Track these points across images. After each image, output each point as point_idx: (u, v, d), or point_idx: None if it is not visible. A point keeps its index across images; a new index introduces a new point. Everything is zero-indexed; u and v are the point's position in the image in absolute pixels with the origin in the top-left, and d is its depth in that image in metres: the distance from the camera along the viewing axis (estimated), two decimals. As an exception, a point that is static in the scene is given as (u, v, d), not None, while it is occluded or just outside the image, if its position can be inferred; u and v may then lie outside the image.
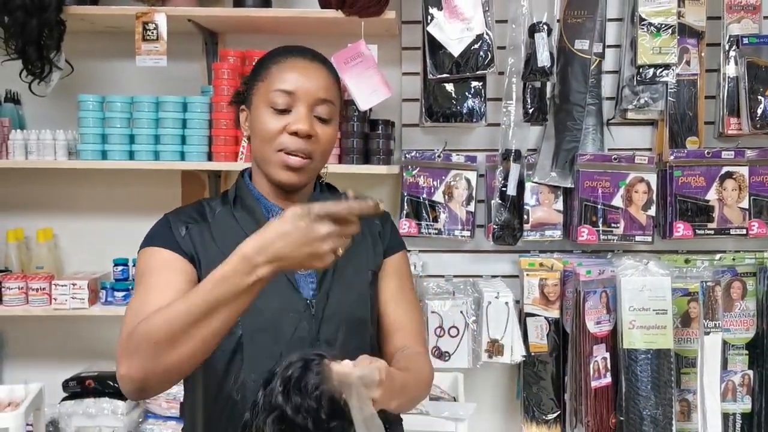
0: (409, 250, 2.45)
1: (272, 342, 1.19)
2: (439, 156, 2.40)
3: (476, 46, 2.18)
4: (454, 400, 2.02)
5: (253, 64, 2.17)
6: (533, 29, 2.20)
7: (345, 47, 2.15)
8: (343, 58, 2.12)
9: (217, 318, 1.01)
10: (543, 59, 2.18)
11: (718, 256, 2.38)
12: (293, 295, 1.23)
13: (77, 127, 2.23)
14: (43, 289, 2.25)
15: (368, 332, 1.30)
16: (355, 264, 1.29)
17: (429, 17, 2.20)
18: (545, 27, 2.19)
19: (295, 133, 1.21)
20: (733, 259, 2.38)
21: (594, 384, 2.18)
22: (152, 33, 2.15)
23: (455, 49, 2.17)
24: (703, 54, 2.35)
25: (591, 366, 2.17)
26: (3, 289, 2.25)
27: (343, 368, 0.98)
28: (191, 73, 2.44)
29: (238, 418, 1.07)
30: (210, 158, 2.24)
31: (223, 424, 1.20)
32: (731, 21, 2.31)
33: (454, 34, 2.17)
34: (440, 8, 2.17)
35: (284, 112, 1.22)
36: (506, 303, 2.18)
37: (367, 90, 2.13)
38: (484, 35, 2.17)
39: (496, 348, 2.19)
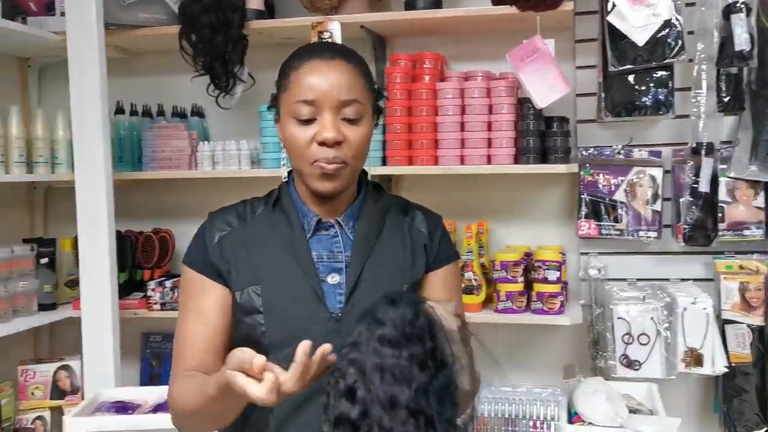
0: (586, 253, 2.36)
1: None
2: (619, 152, 2.26)
3: (663, 33, 2.02)
4: (651, 413, 1.88)
5: (424, 66, 2.23)
6: (729, 10, 2.01)
7: (519, 44, 2.08)
8: (518, 56, 2.05)
9: (226, 404, 1.08)
10: (741, 42, 1.99)
11: None
12: (318, 306, 1.20)
13: (259, 137, 2.32)
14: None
15: None
16: (389, 276, 1.24)
17: (609, 6, 2.07)
18: (743, 6, 2.00)
19: (323, 143, 1.16)
20: None
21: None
22: (328, 40, 2.18)
23: (640, 37, 2.03)
24: None
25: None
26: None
27: (446, 312, 0.93)
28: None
29: (260, 428, 1.19)
30: (384, 162, 2.25)
31: None
32: None
33: (638, 21, 2.03)
34: (622, -5, 2.04)
35: (309, 121, 1.17)
36: (704, 309, 2.01)
37: (545, 86, 2.04)
38: (673, 20, 2.01)
39: (694, 357, 2.02)
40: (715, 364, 2.02)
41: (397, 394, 0.87)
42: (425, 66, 2.23)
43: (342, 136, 1.17)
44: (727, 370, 2.04)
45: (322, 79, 1.18)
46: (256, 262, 1.22)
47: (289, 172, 1.31)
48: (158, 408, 2.02)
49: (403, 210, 1.33)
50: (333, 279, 1.22)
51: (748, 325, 2.11)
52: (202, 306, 1.24)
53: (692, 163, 2.16)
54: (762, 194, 2.17)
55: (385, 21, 2.23)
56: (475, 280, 2.20)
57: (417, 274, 1.28)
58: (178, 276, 2.51)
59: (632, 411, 1.81)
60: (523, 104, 2.17)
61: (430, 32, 2.37)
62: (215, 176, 2.39)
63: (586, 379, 1.95)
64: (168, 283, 2.41)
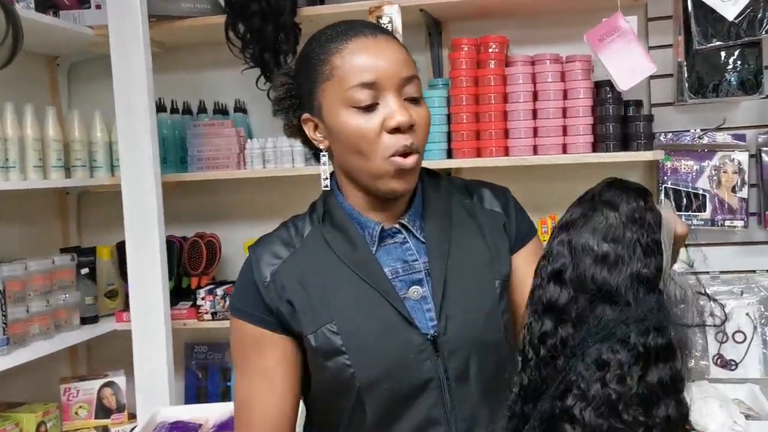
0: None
1: (397, 390, 1.02)
2: (700, 137, 2.11)
3: (756, 5, 1.87)
4: (761, 418, 1.73)
5: (489, 50, 2.07)
6: (827, -22, 1.86)
7: (595, 24, 1.92)
8: (597, 35, 1.89)
9: None
10: (842, 13, 1.84)
11: None
12: (410, 332, 1.02)
13: (311, 133, 2.17)
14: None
15: (503, 354, 1.06)
16: (476, 274, 1.07)
17: (693, -21, 1.92)
18: (844, -26, 1.85)
19: (396, 129, 0.99)
20: None
21: None
22: (387, 27, 2.03)
23: (730, 12, 1.88)
24: None
25: None
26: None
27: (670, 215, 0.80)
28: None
29: None
30: (450, 155, 2.10)
31: None
32: None
33: (728, -6, 1.88)
34: (710, -34, 1.89)
35: (371, 107, 1.00)
36: (807, 304, 1.87)
37: (627, 68, 1.89)
38: (767, -8, 1.86)
39: (798, 355, 1.87)
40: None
41: (609, 281, 0.75)
42: (490, 50, 2.07)
43: (414, 120, 1.01)
44: (834, 367, 1.90)
45: (378, 57, 1.01)
46: (322, 294, 1.04)
47: (330, 176, 1.13)
48: (221, 428, 1.87)
49: (466, 191, 1.16)
50: (416, 293, 1.05)
51: None
52: (264, 365, 1.07)
53: (782, 145, 2.01)
54: None
55: (445, 3, 2.07)
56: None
57: (505, 262, 1.11)
58: (228, 282, 2.37)
59: (747, 416, 1.66)
60: (600, 88, 2.02)
61: (489, 15, 2.21)
62: (267, 175, 2.24)
63: (692, 382, 1.80)
64: (219, 291, 2.26)
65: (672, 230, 0.79)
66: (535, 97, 2.03)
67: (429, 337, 1.02)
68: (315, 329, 1.03)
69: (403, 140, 1.00)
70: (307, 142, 1.13)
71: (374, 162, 1.01)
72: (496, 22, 2.24)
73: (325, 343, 1.02)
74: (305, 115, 1.08)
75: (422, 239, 1.08)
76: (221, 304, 2.25)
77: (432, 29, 2.27)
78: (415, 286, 1.06)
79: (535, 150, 2.03)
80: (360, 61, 1.01)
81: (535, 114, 2.03)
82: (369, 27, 1.06)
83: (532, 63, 2.06)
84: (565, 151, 2.02)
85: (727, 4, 1.88)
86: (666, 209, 0.79)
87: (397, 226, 1.08)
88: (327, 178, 1.11)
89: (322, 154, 1.10)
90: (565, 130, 2.02)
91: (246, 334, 1.08)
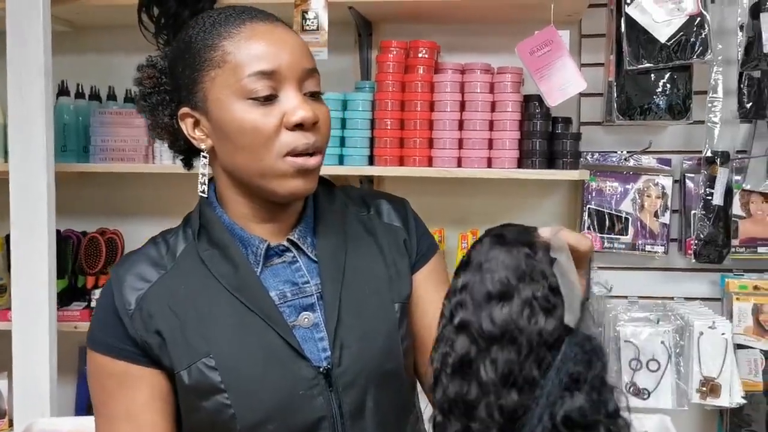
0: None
1: (284, 431, 0.90)
2: (626, 159, 2.07)
3: (688, 29, 1.84)
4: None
5: (419, 55, 1.98)
6: (758, 8, 1.85)
7: (528, 36, 1.86)
8: (529, 47, 1.83)
9: None
10: (770, 43, 1.83)
11: None
12: (300, 365, 0.89)
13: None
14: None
15: (403, 384, 0.98)
16: (376, 301, 0.96)
17: (628, -3, 1.88)
18: (774, 5, 1.84)
19: (299, 126, 0.88)
20: None
21: None
22: (312, 22, 1.92)
23: (662, 33, 1.84)
24: None
25: None
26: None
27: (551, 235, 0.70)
28: (342, 67, 2.20)
29: None
30: (372, 162, 2.00)
31: None
32: None
33: (661, 15, 1.84)
34: (644, -14, 1.85)
35: (269, 100, 0.88)
36: (723, 335, 1.84)
37: (557, 83, 1.83)
38: (699, 16, 1.83)
39: (710, 388, 1.84)
40: (732, 395, 1.85)
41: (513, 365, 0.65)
42: (420, 55, 1.98)
43: (317, 116, 0.90)
44: (744, 401, 1.88)
45: (278, 45, 0.89)
46: (198, 323, 0.90)
47: (208, 185, 0.98)
48: (104, 442, 1.72)
49: (363, 203, 1.05)
50: (306, 320, 0.93)
51: (762, 351, 1.96)
52: (129, 407, 0.90)
53: (705, 173, 1.99)
54: (778, 209, 2.02)
55: (375, 2, 1.97)
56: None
57: (405, 282, 1.00)
58: (128, 283, 2.20)
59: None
60: (529, 102, 1.95)
61: (421, 19, 2.12)
62: (176, 171, 2.08)
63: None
64: (116, 292, 2.10)
65: (568, 256, 0.69)
66: (462, 107, 1.95)
67: (321, 369, 0.91)
68: (189, 364, 0.89)
69: (305, 138, 0.89)
70: (176, 143, 1.00)
71: (270, 161, 0.89)
72: (427, 27, 2.15)
73: (201, 381, 0.89)
74: (183, 110, 0.94)
75: (314, 258, 0.96)
76: (119, 307, 2.09)
77: (362, 29, 2.16)
78: (305, 312, 0.93)
79: (460, 162, 1.95)
80: (258, 48, 0.89)
81: (461, 125, 1.95)
82: (263, 13, 0.93)
83: (462, 71, 1.98)
84: (490, 165, 1.94)
85: (660, 25, 1.84)
86: (556, 237, 0.70)
87: (285, 243, 0.96)
88: (204, 183, 0.96)
89: (202, 155, 0.95)
90: (491, 144, 1.94)
91: (107, 371, 0.92)
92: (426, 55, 1.98)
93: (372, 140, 1.99)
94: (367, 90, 2.03)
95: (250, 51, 0.88)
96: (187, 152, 1.02)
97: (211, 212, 0.96)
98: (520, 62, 1.91)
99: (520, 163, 1.94)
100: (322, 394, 0.90)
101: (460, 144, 1.95)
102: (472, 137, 1.93)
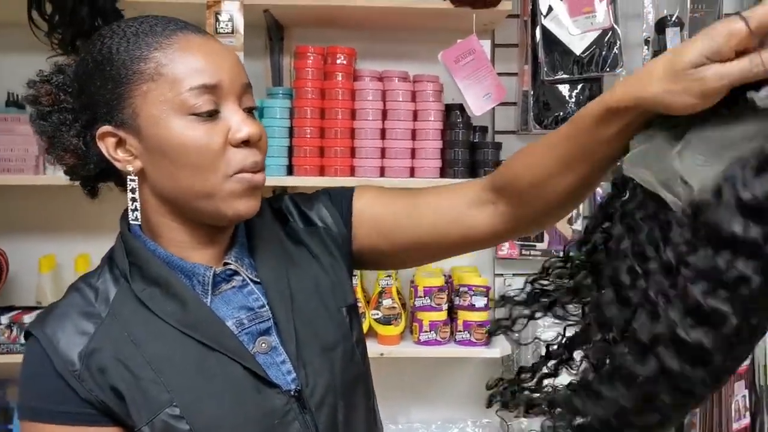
0: (501, 274, 2.19)
1: None
2: (540, 167, 2.11)
3: (601, 43, 1.90)
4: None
5: (337, 62, 1.91)
6: (663, 23, 1.94)
7: (445, 44, 1.85)
8: (453, 56, 1.82)
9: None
10: (675, 58, 1.92)
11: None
12: (271, 394, 0.84)
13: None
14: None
15: (366, 390, 0.96)
16: (325, 311, 0.93)
17: (545, 9, 1.91)
18: (677, 21, 1.93)
19: (245, 143, 0.84)
20: None
21: (735, 426, 1.92)
22: (226, 25, 1.81)
23: (577, 46, 1.89)
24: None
25: (732, 406, 1.91)
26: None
27: None
28: (251, 72, 2.09)
29: None
30: (291, 172, 1.92)
31: None
32: None
33: (576, 28, 1.89)
34: (560, -1, 1.89)
35: (211, 116, 0.82)
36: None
37: (481, 93, 1.83)
38: (612, 30, 1.89)
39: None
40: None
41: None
42: (338, 62, 1.92)
43: (261, 132, 0.86)
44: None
45: (216, 58, 0.83)
46: (152, 372, 0.81)
47: (123, 222, 0.89)
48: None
49: (285, 212, 0.99)
50: (264, 345, 0.87)
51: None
52: None
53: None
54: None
55: (293, 5, 1.89)
56: (395, 308, 1.94)
57: (346, 284, 0.96)
58: (15, 308, 1.98)
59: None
60: (450, 111, 1.94)
61: (336, 24, 2.06)
62: (70, 184, 1.90)
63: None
64: (3, 319, 1.88)
65: None
66: (384, 116, 1.91)
67: (293, 393, 0.85)
68: (150, 418, 0.80)
69: (251, 155, 0.84)
70: (84, 167, 0.88)
71: (216, 181, 0.82)
72: (341, 32, 2.09)
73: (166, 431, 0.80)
74: (104, 129, 0.83)
75: (256, 279, 0.90)
76: (5, 335, 1.87)
77: (273, 33, 2.07)
78: (262, 337, 0.87)
79: (383, 172, 1.91)
80: (196, 61, 0.82)
81: (383, 134, 1.91)
82: (192, 24, 0.86)
83: (380, 79, 1.95)
84: (413, 175, 1.92)
85: (575, 38, 1.89)
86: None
87: (233, 266, 0.89)
88: (137, 210, 0.87)
89: (130, 178, 0.85)
90: (414, 153, 1.92)
91: None
92: (344, 62, 1.92)
93: (291, 149, 1.91)
94: (281, 96, 1.94)
95: (189, 63, 0.82)
96: (95, 178, 0.91)
97: (140, 246, 0.86)
98: (436, 70, 1.91)
99: (443, 173, 1.93)
100: (297, 418, 0.85)
101: (383, 153, 1.91)
102: (395, 146, 1.90)
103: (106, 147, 0.84)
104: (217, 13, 1.81)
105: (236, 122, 0.83)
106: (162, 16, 0.87)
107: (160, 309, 0.83)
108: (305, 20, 2.03)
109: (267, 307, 0.89)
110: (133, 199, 0.86)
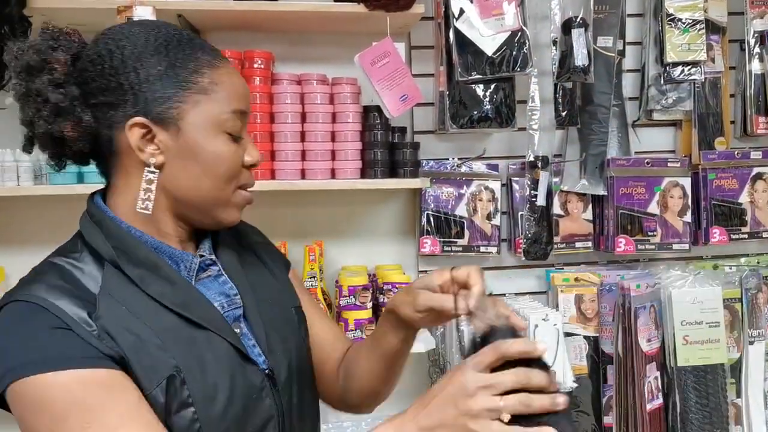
0: (425, 271, 2.24)
1: None
2: (459, 165, 2.17)
3: (511, 43, 1.97)
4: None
5: (254, 66, 1.92)
6: (569, 25, 2.02)
7: (361, 47, 1.88)
8: (369, 59, 1.85)
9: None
10: (581, 57, 2.01)
11: (743, 260, 2.30)
12: (251, 370, 0.94)
13: (44, 146, 1.83)
14: None
15: (314, 380, 1.12)
16: (279, 307, 1.07)
17: (456, 12, 1.96)
18: (582, 22, 2.02)
19: (252, 166, 0.99)
20: (758, 263, 2.30)
21: (648, 406, 2.03)
22: (139, 30, 1.79)
23: (488, 47, 1.96)
24: (726, 50, 2.26)
25: (645, 387, 2.02)
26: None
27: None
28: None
29: None
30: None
31: None
32: (754, 16, 2.24)
33: (487, 30, 1.95)
34: (471, 1, 1.95)
35: (237, 139, 0.95)
36: (555, 325, 1.99)
37: (397, 94, 1.87)
38: (520, 32, 1.96)
39: (548, 376, 1.98)
40: (565, 380, 2.00)
41: None
42: (255, 66, 1.93)
43: None
44: (576, 385, 2.04)
45: (246, 89, 0.98)
46: (157, 340, 0.87)
47: (90, 210, 0.95)
48: None
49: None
50: (238, 330, 0.97)
51: (585, 337, 2.15)
52: (126, 410, 0.81)
53: (529, 176, 2.14)
54: (590, 207, 2.22)
55: (208, 10, 1.88)
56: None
57: (291, 290, 1.13)
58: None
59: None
60: (368, 113, 1.98)
61: (252, 28, 2.06)
62: (25, 195, 1.84)
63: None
64: None
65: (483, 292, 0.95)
66: (303, 118, 1.93)
67: (267, 371, 0.97)
68: (159, 381, 0.85)
69: (251, 176, 0.99)
70: (77, 142, 0.92)
71: (228, 192, 0.95)
72: (258, 36, 2.09)
73: (174, 396, 0.86)
74: (139, 119, 0.89)
75: (224, 270, 1.02)
76: None
77: (189, 37, 2.05)
78: (235, 322, 0.98)
79: (303, 174, 1.93)
80: (239, 88, 0.96)
81: (303, 136, 1.93)
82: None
83: (299, 82, 1.96)
84: (334, 176, 1.94)
85: (486, 39, 1.95)
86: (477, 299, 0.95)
87: (212, 257, 1.01)
88: (150, 200, 0.92)
89: (148, 170, 0.91)
90: (334, 155, 1.94)
91: (85, 383, 0.80)
92: (262, 66, 1.93)
93: (210, 154, 1.90)
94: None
95: (235, 89, 0.94)
96: (73, 155, 0.95)
97: (125, 232, 0.92)
98: (353, 73, 1.94)
99: (364, 173, 1.96)
100: (269, 395, 0.95)
101: (303, 156, 1.92)
102: (315, 149, 1.92)
103: (134, 136, 0.90)
104: (129, 19, 1.79)
105: (251, 148, 0.97)
106: (197, 37, 0.97)
107: (152, 289, 0.90)
108: (221, 24, 2.03)
109: (239, 295, 0.99)
110: (148, 190, 0.92)
